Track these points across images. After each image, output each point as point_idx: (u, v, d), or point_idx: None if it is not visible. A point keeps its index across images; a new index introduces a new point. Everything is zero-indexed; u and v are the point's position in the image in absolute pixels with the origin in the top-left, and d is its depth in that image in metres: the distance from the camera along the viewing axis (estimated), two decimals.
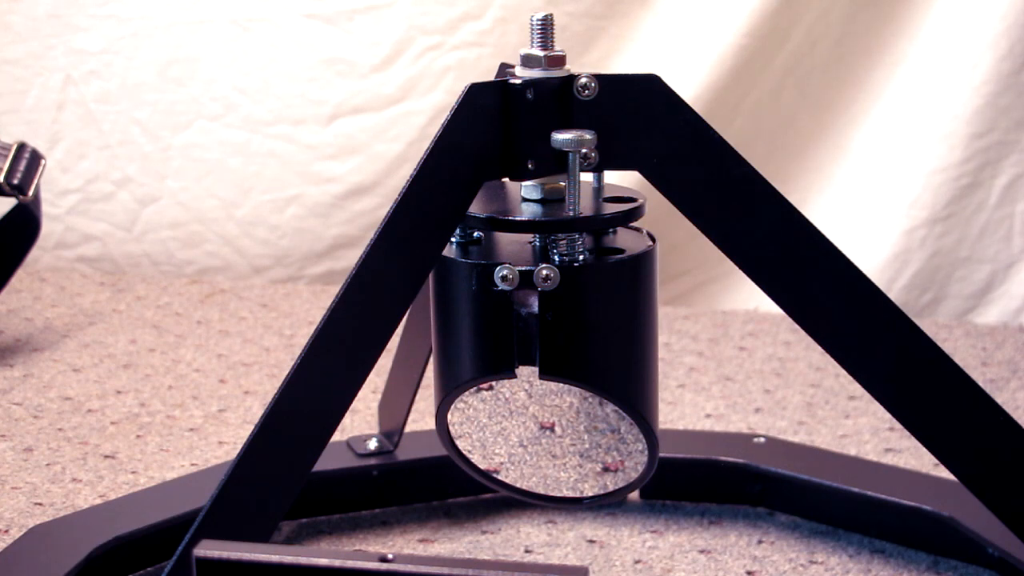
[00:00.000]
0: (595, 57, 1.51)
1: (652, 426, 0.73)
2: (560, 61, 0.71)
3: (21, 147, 1.26)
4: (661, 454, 0.74)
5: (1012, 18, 1.38)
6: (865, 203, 1.47)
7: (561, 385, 0.73)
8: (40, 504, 0.97)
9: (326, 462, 0.83)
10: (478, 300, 0.70)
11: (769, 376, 1.24)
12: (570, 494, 0.77)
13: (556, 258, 0.70)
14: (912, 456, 1.04)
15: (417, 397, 0.92)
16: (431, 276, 0.73)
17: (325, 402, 0.70)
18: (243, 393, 1.20)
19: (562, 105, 0.70)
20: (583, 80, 0.70)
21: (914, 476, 0.94)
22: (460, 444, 0.77)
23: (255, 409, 1.16)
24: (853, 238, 1.43)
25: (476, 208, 0.71)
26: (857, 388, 1.17)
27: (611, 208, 0.72)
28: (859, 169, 1.48)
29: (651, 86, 0.70)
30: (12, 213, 1.30)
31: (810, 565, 0.88)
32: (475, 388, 0.74)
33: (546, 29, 0.71)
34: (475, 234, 0.73)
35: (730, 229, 0.71)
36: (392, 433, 0.96)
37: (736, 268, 0.72)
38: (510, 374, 0.71)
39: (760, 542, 0.92)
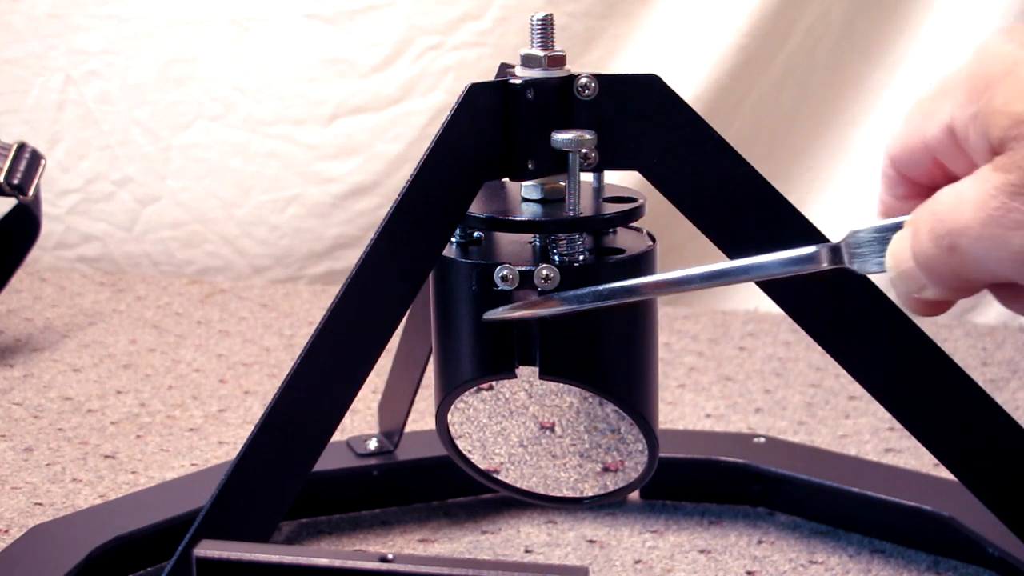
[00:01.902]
0: (595, 57, 1.51)
1: (652, 426, 0.73)
2: (560, 61, 0.71)
3: (21, 147, 1.26)
4: (661, 454, 0.74)
5: (1012, 18, 1.38)
6: (865, 203, 1.47)
7: (561, 385, 0.73)
8: (40, 504, 0.97)
9: (326, 462, 0.83)
10: (478, 300, 0.70)
11: (769, 376, 1.24)
12: (570, 494, 0.77)
13: (556, 258, 0.70)
14: (912, 456, 1.04)
15: (417, 397, 0.92)
16: (431, 276, 0.73)
17: (325, 402, 0.70)
18: (243, 393, 1.20)
19: (562, 105, 0.70)
20: (583, 80, 0.70)
21: (914, 476, 0.94)
22: (460, 444, 0.77)
23: (255, 409, 1.16)
24: None
25: (476, 208, 0.71)
26: (857, 388, 1.17)
27: (611, 208, 0.72)
28: (859, 169, 1.48)
29: (651, 86, 0.70)
30: (12, 213, 1.30)
31: (810, 565, 0.88)
32: (475, 388, 0.74)
33: (546, 29, 0.71)
34: (475, 234, 0.73)
35: (730, 229, 0.71)
36: (392, 433, 0.96)
37: None
38: (510, 374, 0.71)
39: (760, 542, 0.92)
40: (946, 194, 0.53)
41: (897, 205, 0.59)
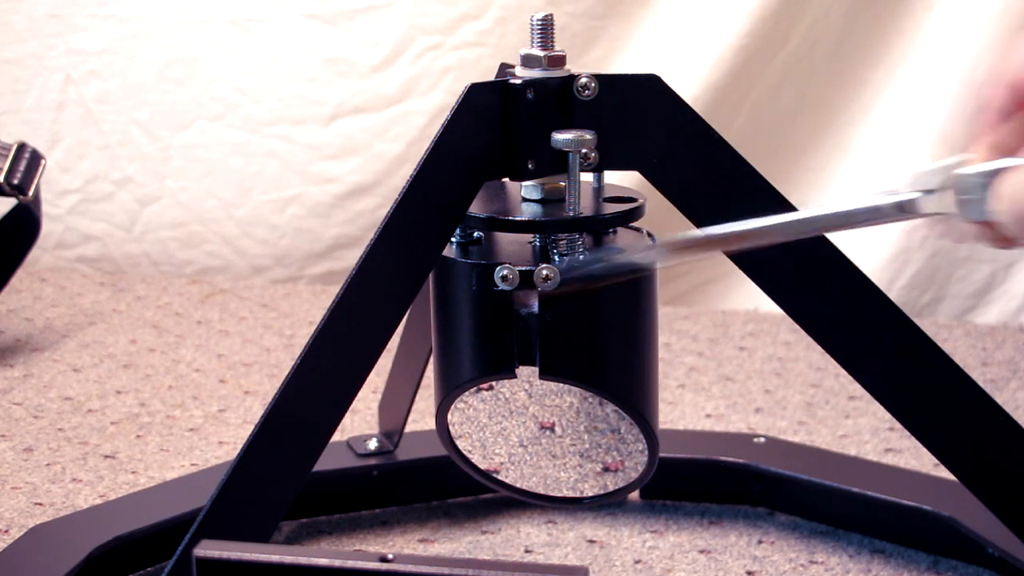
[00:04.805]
0: (595, 57, 1.51)
1: (652, 426, 0.73)
2: (560, 61, 0.71)
3: (21, 147, 1.26)
4: (661, 454, 0.74)
5: (1012, 18, 1.38)
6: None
7: (561, 385, 0.73)
8: (40, 504, 0.97)
9: (326, 462, 0.83)
10: (478, 300, 0.70)
11: (769, 376, 1.24)
12: (570, 494, 0.77)
13: (556, 258, 0.70)
14: (912, 456, 1.04)
15: (417, 397, 0.92)
16: (431, 276, 0.73)
17: (325, 402, 0.70)
18: (243, 393, 1.20)
19: (562, 105, 0.70)
20: (583, 80, 0.70)
21: (914, 476, 0.94)
22: (460, 444, 0.77)
23: (255, 409, 1.16)
24: (853, 238, 1.43)
25: (476, 208, 0.71)
26: (857, 388, 1.17)
27: (611, 208, 0.72)
28: (859, 169, 1.48)
29: (651, 86, 0.70)
30: (12, 213, 1.30)
31: (810, 565, 0.88)
32: (475, 388, 0.74)
33: (546, 29, 0.71)
34: (475, 234, 0.73)
35: None
36: (392, 433, 0.96)
37: (736, 268, 0.72)
38: (510, 374, 0.71)
39: (760, 542, 0.92)
40: None
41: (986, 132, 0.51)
